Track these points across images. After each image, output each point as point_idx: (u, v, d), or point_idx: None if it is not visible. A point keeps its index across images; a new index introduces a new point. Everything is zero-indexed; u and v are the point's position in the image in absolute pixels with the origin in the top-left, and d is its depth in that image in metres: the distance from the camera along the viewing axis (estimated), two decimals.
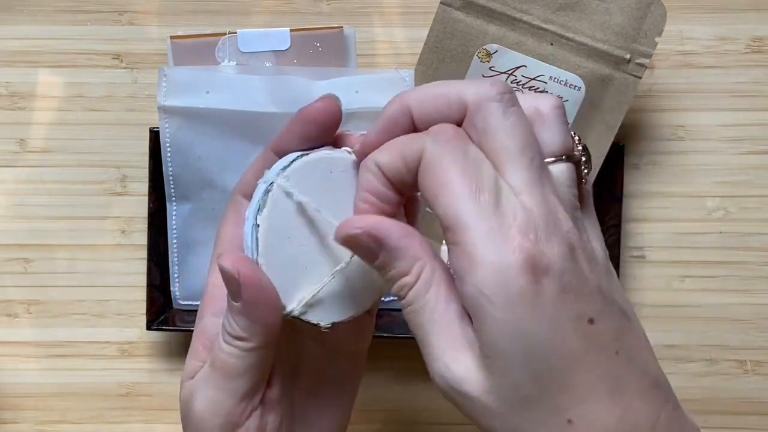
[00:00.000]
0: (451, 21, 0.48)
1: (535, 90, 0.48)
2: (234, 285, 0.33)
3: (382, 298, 0.50)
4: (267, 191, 0.34)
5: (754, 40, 0.52)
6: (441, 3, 0.48)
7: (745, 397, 0.53)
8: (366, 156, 0.32)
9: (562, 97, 0.48)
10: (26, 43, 0.52)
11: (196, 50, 0.49)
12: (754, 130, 0.52)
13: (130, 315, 0.52)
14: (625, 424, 0.28)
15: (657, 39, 0.47)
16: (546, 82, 0.48)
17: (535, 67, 0.48)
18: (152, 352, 0.53)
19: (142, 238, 0.51)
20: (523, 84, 0.48)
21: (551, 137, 0.30)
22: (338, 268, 0.34)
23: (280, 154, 0.35)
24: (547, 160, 0.30)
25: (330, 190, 0.34)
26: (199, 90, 0.47)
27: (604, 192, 0.50)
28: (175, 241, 0.50)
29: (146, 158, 0.50)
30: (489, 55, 0.48)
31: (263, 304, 0.33)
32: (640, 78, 0.48)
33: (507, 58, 0.48)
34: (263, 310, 0.33)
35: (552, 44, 0.48)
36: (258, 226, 0.34)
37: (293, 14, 0.52)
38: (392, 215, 0.32)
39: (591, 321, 0.28)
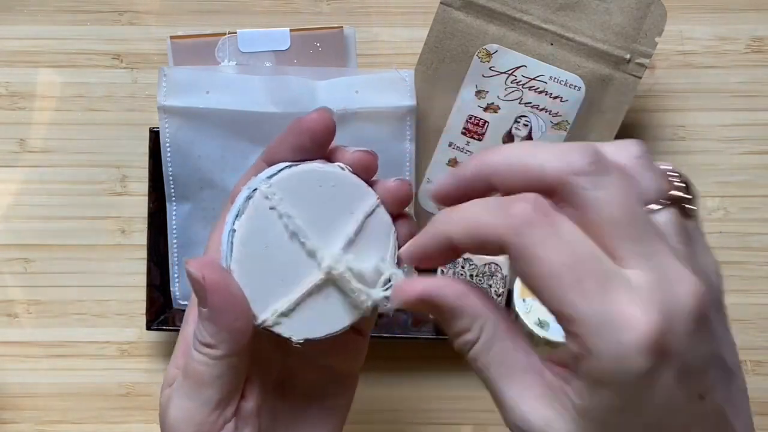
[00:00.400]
0: (451, 21, 0.48)
1: (536, 90, 0.48)
2: (200, 290, 0.32)
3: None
4: (248, 197, 0.33)
5: (754, 40, 0.52)
6: (441, 3, 0.48)
7: None
8: (437, 200, 0.31)
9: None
10: (26, 43, 0.52)
11: (196, 50, 0.49)
12: (754, 130, 0.52)
13: (130, 315, 0.52)
14: None
15: (657, 39, 0.47)
16: (546, 82, 0.48)
17: (535, 67, 0.48)
18: (152, 352, 0.53)
19: (142, 238, 0.51)
20: (523, 84, 0.48)
21: (645, 188, 0.28)
22: (314, 283, 0.33)
23: (271, 164, 0.35)
24: (646, 209, 0.28)
25: (316, 204, 0.33)
26: (199, 90, 0.47)
27: None
28: (175, 241, 0.50)
29: (146, 158, 0.50)
30: (489, 55, 0.48)
31: (230, 310, 0.32)
32: (640, 78, 0.48)
33: (507, 58, 0.48)
34: (230, 316, 0.32)
35: (552, 44, 0.48)
36: (234, 231, 0.33)
37: (293, 14, 0.52)
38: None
39: (701, 397, 0.27)
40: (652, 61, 0.48)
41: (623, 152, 0.28)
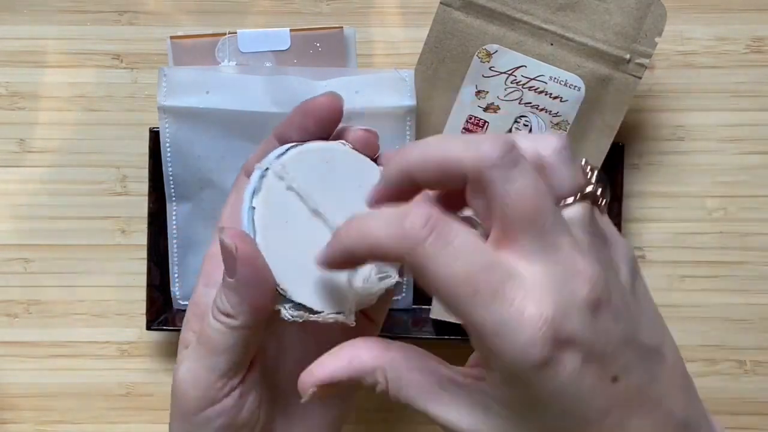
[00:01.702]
0: (451, 21, 0.48)
1: (536, 90, 0.48)
2: (231, 261, 0.33)
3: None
4: (262, 176, 0.34)
5: (754, 40, 0.52)
6: (441, 3, 0.48)
7: (745, 397, 0.53)
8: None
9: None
10: (26, 43, 0.52)
11: (196, 50, 0.49)
12: (754, 130, 0.52)
13: (130, 315, 0.52)
14: None
15: (657, 39, 0.47)
16: (546, 82, 0.48)
17: (535, 67, 0.48)
18: (152, 352, 0.53)
19: (142, 238, 0.51)
20: (523, 84, 0.48)
21: (560, 182, 0.29)
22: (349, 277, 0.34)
23: (281, 141, 0.36)
24: (559, 205, 0.28)
25: (326, 180, 0.35)
26: (199, 90, 0.47)
27: None
28: (175, 241, 0.50)
29: (146, 158, 0.50)
30: (489, 55, 0.48)
31: (256, 284, 0.33)
32: (640, 78, 0.48)
33: (507, 58, 0.48)
34: (255, 290, 0.33)
35: (552, 44, 0.48)
36: (254, 208, 0.34)
37: (293, 14, 0.52)
38: None
39: (614, 379, 0.28)
40: (652, 61, 0.48)
41: (541, 145, 0.29)
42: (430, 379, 0.30)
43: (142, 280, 0.50)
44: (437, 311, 0.48)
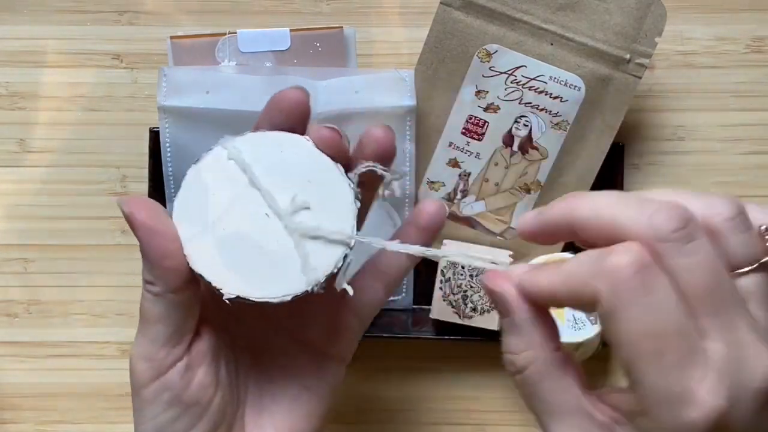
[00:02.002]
0: (451, 21, 0.48)
1: (536, 90, 0.48)
2: (131, 227, 0.33)
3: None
4: (209, 150, 0.34)
5: (754, 40, 0.52)
6: (441, 3, 0.48)
7: None
8: (522, 236, 0.31)
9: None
10: (26, 43, 0.52)
11: (196, 50, 0.49)
12: (754, 130, 0.52)
13: (130, 315, 0.52)
14: None
15: (657, 39, 0.47)
16: (546, 82, 0.48)
17: (535, 67, 0.48)
18: None
19: None
20: (523, 84, 0.48)
21: (733, 251, 0.27)
22: (266, 238, 0.33)
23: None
24: (733, 274, 0.27)
25: (272, 164, 0.34)
26: (199, 90, 0.47)
27: None
28: None
29: (146, 158, 0.50)
30: (489, 55, 0.48)
31: (157, 246, 0.33)
32: (640, 78, 0.48)
33: (507, 58, 0.48)
34: (157, 253, 0.33)
35: (552, 44, 0.48)
36: (185, 176, 0.34)
37: (293, 14, 0.52)
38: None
39: None
40: (652, 61, 0.48)
41: (714, 212, 0.27)
42: (568, 399, 0.29)
43: None
44: (437, 311, 0.48)
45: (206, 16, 0.52)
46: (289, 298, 0.33)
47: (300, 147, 0.35)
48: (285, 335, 0.38)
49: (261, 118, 0.36)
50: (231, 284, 0.33)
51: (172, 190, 0.49)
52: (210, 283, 0.33)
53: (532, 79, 0.48)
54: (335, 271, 0.33)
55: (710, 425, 0.25)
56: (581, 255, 0.28)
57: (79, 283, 0.53)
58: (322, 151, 0.35)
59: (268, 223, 0.34)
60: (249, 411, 0.38)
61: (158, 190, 0.49)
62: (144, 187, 0.50)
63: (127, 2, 0.52)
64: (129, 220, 0.33)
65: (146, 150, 0.50)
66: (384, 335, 0.50)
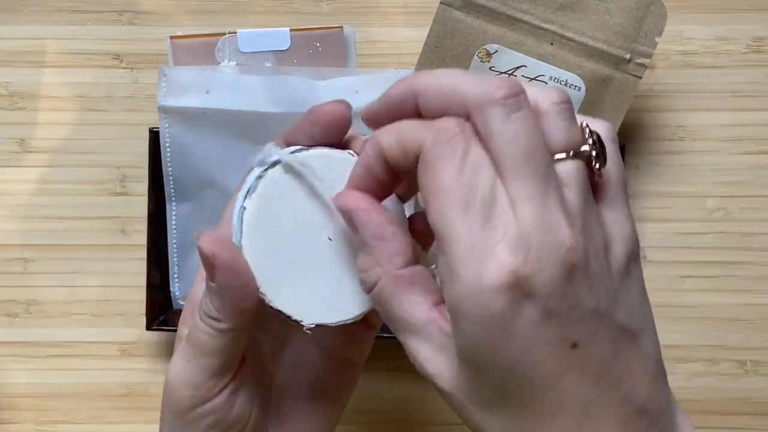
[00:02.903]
0: (451, 21, 0.48)
1: None
2: (209, 267, 0.33)
3: None
4: (260, 176, 0.33)
5: (754, 40, 0.52)
6: (441, 3, 0.48)
7: (745, 397, 0.53)
8: (367, 122, 0.32)
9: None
10: (26, 43, 0.52)
11: (196, 50, 0.49)
12: (754, 130, 0.52)
13: (130, 315, 0.52)
14: None
15: (657, 39, 0.47)
16: (546, 82, 0.48)
17: (535, 67, 0.48)
18: (152, 353, 0.53)
19: (142, 238, 0.51)
20: None
21: (554, 133, 0.28)
22: (325, 256, 0.34)
23: (288, 146, 0.35)
24: (552, 158, 0.28)
25: (327, 186, 0.34)
26: (199, 90, 0.47)
27: None
28: (175, 241, 0.50)
29: (146, 158, 0.50)
30: (489, 55, 0.48)
31: (237, 288, 0.33)
32: (640, 78, 0.48)
33: (507, 58, 0.48)
34: (237, 294, 0.33)
35: (552, 44, 0.48)
36: (245, 208, 0.33)
37: (293, 14, 0.52)
38: (381, 194, 0.32)
39: (574, 345, 0.27)
40: (652, 61, 0.48)
41: (545, 96, 0.29)
42: (417, 314, 0.30)
43: (142, 280, 0.50)
44: None
45: (206, 16, 0.52)
46: (360, 316, 0.34)
47: (347, 164, 0.34)
48: (307, 341, 0.38)
49: (296, 130, 0.35)
50: (308, 314, 0.34)
51: (172, 190, 0.49)
52: (290, 317, 0.34)
53: (532, 79, 0.48)
54: None
55: (510, 282, 0.26)
56: (403, 124, 0.30)
57: (79, 283, 0.53)
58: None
59: (331, 247, 0.34)
60: (270, 419, 0.38)
61: (158, 190, 0.49)
62: (144, 187, 0.50)
63: (127, 2, 0.52)
64: (208, 260, 0.32)
65: (146, 150, 0.50)
66: (384, 335, 0.49)
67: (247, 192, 0.33)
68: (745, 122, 0.52)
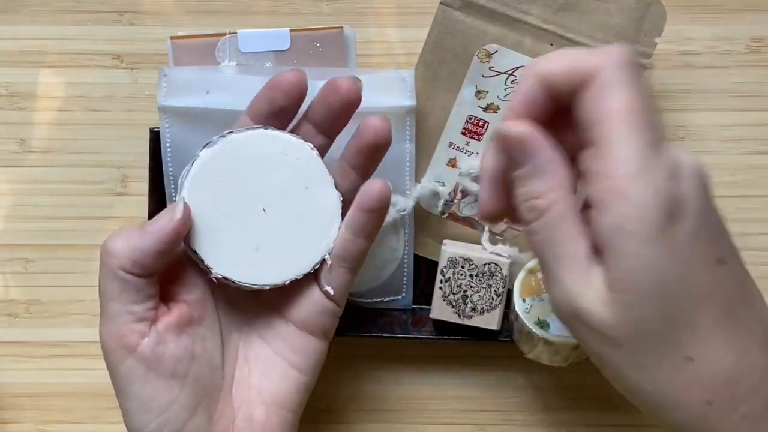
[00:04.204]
0: (451, 21, 0.48)
1: None
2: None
3: (382, 298, 0.50)
4: (212, 141, 0.40)
5: (754, 40, 0.52)
6: (441, 3, 0.48)
7: None
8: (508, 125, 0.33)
9: None
10: (26, 43, 0.52)
11: (196, 50, 0.49)
12: (754, 130, 0.52)
13: None
14: (741, 367, 0.29)
15: (657, 39, 0.47)
16: None
17: None
18: None
19: None
20: None
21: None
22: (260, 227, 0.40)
23: (254, 119, 0.40)
24: None
25: (277, 166, 0.40)
26: (199, 90, 0.47)
27: None
28: None
29: (146, 158, 0.50)
30: (489, 55, 0.48)
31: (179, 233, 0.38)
32: None
33: (507, 59, 0.48)
34: (174, 236, 0.38)
35: (552, 44, 0.48)
36: (188, 175, 0.39)
37: (293, 14, 0.52)
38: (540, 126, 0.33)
39: (721, 262, 0.30)
40: (651, 61, 0.48)
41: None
42: (575, 248, 0.31)
43: None
44: (437, 311, 0.48)
45: (206, 16, 0.52)
46: (265, 287, 0.40)
47: (303, 154, 0.40)
48: (274, 313, 0.41)
49: (259, 97, 0.40)
50: (221, 267, 0.39)
51: (173, 190, 0.49)
52: (203, 261, 0.39)
53: None
54: (311, 271, 0.40)
55: (671, 197, 0.29)
56: (568, 51, 0.32)
57: (79, 283, 0.53)
58: (322, 159, 0.40)
59: (265, 218, 0.39)
60: (238, 388, 0.40)
61: (158, 190, 0.49)
62: (144, 187, 0.50)
63: (127, 2, 0.52)
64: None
65: (146, 150, 0.50)
66: (384, 335, 0.50)
67: (192, 163, 0.39)
68: (745, 122, 0.52)
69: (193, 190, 0.39)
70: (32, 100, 0.52)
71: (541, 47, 0.47)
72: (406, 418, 0.52)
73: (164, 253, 0.37)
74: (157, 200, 0.49)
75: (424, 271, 0.50)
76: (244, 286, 0.39)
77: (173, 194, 0.49)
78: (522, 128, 0.31)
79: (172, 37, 0.49)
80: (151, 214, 0.50)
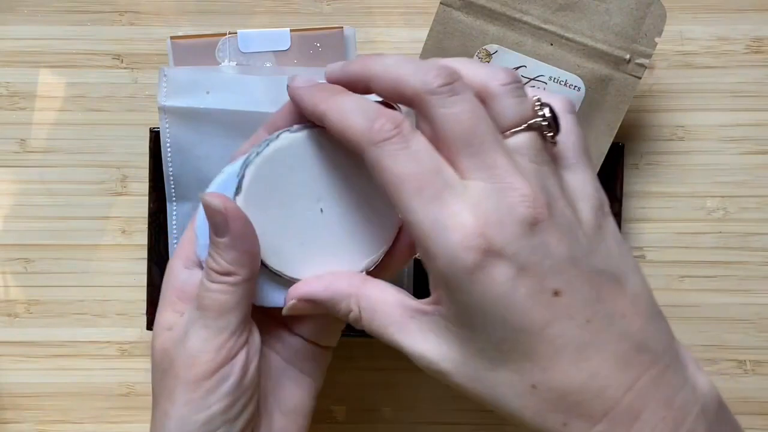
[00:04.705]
0: (451, 21, 0.48)
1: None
2: (221, 220, 0.35)
3: None
4: (258, 152, 0.36)
5: (754, 40, 0.52)
6: (441, 3, 0.48)
7: (744, 397, 0.53)
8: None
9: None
10: (26, 43, 0.52)
11: (196, 50, 0.49)
12: (754, 130, 0.52)
13: (130, 315, 0.52)
14: (589, 389, 0.29)
15: (657, 39, 0.47)
16: (546, 83, 0.48)
17: (534, 67, 0.48)
18: None
19: (142, 238, 0.51)
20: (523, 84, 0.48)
21: (503, 111, 0.31)
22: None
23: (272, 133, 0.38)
24: (505, 134, 0.31)
25: (338, 166, 0.37)
26: (199, 90, 0.47)
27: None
28: (175, 241, 0.50)
29: (146, 158, 0.50)
30: (489, 55, 0.48)
31: (249, 235, 0.35)
32: (640, 78, 0.48)
33: (507, 59, 0.48)
34: (250, 240, 0.35)
35: (552, 44, 0.48)
36: (244, 175, 0.36)
37: (293, 14, 0.52)
38: None
39: (556, 293, 0.29)
40: (651, 61, 0.48)
41: (492, 77, 0.31)
42: (399, 311, 0.33)
43: (142, 280, 0.50)
44: None
45: (206, 16, 0.52)
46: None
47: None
48: (285, 329, 0.40)
49: (282, 111, 0.38)
50: (294, 272, 0.37)
51: (172, 190, 0.49)
52: (279, 272, 0.37)
53: (532, 79, 0.48)
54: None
55: (476, 242, 0.29)
56: (358, 101, 0.32)
57: (79, 283, 0.53)
58: None
59: (322, 218, 0.37)
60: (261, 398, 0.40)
61: (158, 190, 0.49)
62: (144, 187, 0.50)
63: (127, 2, 0.52)
64: (221, 213, 0.35)
65: (146, 150, 0.50)
66: None
67: (245, 161, 0.36)
68: (745, 122, 0.52)
69: (246, 202, 0.36)
70: (32, 100, 0.52)
71: (541, 47, 0.47)
72: (406, 417, 0.52)
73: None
74: (157, 200, 0.50)
75: (424, 271, 0.50)
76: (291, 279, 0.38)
77: (172, 194, 0.49)
78: (295, 294, 0.35)
79: (172, 37, 0.49)
80: (151, 214, 0.50)
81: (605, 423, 0.30)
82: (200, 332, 0.36)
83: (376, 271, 0.38)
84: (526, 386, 0.30)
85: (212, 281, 0.35)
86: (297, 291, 0.36)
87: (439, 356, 0.31)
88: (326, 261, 0.37)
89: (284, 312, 0.36)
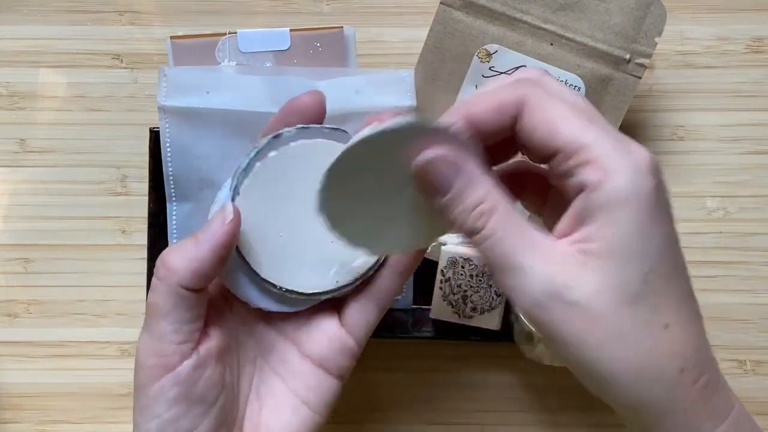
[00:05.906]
0: (451, 21, 0.48)
1: None
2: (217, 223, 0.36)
3: None
4: (276, 136, 0.36)
5: (754, 40, 0.52)
6: (441, 3, 0.48)
7: (745, 397, 0.52)
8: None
9: None
10: (26, 43, 0.52)
11: (196, 50, 0.49)
12: (754, 130, 0.52)
13: (130, 315, 0.52)
14: (704, 336, 0.33)
15: (657, 39, 0.47)
16: None
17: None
18: None
19: (142, 238, 0.51)
20: None
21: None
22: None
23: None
24: None
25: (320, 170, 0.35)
26: (199, 90, 0.47)
27: None
28: (175, 241, 0.50)
29: (146, 158, 0.50)
30: (489, 55, 0.48)
31: (232, 232, 0.36)
32: (640, 78, 0.48)
33: (507, 58, 0.48)
34: (229, 239, 0.35)
35: (552, 44, 0.48)
36: (241, 182, 0.37)
37: (293, 14, 0.52)
38: None
39: (678, 243, 0.31)
40: (651, 61, 0.48)
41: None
42: (535, 229, 0.31)
43: (142, 280, 0.50)
44: (437, 311, 0.48)
45: (206, 16, 0.52)
46: (322, 296, 0.38)
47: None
48: (291, 347, 0.39)
49: (274, 124, 0.38)
50: (279, 279, 0.37)
51: (172, 190, 0.49)
52: (258, 275, 0.37)
53: None
54: (335, 288, 0.38)
55: (656, 165, 0.30)
56: (487, 93, 0.33)
57: (79, 283, 0.53)
58: None
59: (314, 230, 0.36)
60: (247, 423, 0.38)
61: (158, 190, 0.49)
62: (144, 187, 0.50)
63: (127, 2, 0.52)
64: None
65: (146, 150, 0.50)
66: (384, 335, 0.50)
67: (246, 166, 0.37)
68: (745, 122, 0.52)
69: (245, 202, 0.37)
70: (32, 100, 0.52)
71: (541, 47, 0.47)
72: (406, 418, 0.52)
73: (221, 258, 0.36)
74: (157, 200, 0.49)
75: (424, 271, 0.50)
76: (303, 295, 0.38)
77: (172, 194, 0.49)
78: (437, 150, 0.32)
79: (172, 37, 0.49)
80: (151, 214, 0.50)
81: (707, 374, 0.32)
82: (144, 336, 0.36)
83: (360, 287, 0.38)
84: (660, 324, 0.30)
85: (157, 278, 0.35)
86: (446, 152, 0.32)
87: (572, 286, 0.30)
88: (304, 269, 0.37)
89: (416, 163, 0.32)
